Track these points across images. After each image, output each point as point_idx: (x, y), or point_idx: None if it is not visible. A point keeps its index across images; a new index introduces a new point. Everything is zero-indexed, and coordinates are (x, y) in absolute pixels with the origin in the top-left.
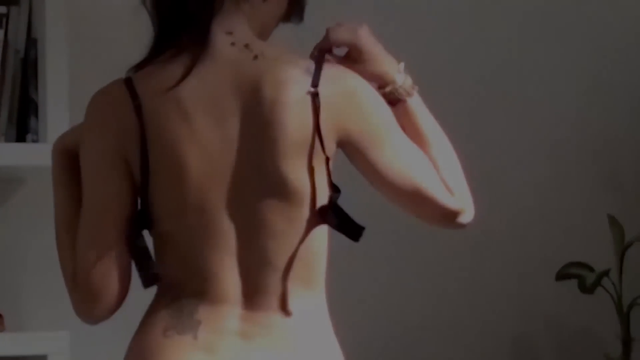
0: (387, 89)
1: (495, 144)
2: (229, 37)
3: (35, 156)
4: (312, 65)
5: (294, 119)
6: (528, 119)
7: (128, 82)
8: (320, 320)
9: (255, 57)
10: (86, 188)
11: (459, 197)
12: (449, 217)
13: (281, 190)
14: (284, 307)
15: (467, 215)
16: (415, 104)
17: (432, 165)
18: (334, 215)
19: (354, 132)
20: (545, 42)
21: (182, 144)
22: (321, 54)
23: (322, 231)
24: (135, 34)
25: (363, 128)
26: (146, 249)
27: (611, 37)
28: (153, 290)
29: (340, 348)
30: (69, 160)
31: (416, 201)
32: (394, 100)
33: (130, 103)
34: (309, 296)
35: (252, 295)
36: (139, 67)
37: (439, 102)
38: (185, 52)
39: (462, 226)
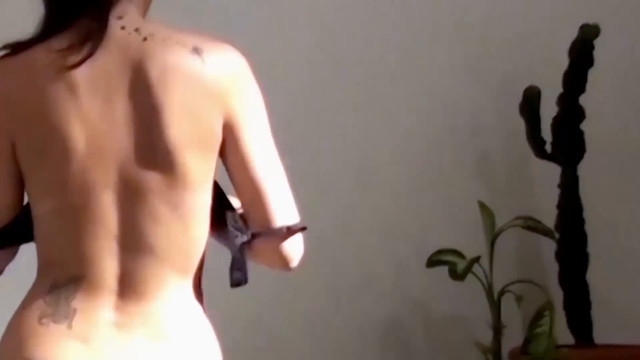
0: None
1: (366, 133)
2: (119, 21)
3: None
4: (199, 43)
5: (183, 99)
6: (398, 107)
7: (16, 60)
8: (196, 310)
9: (145, 39)
10: None
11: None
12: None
13: (167, 174)
14: (160, 296)
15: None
16: None
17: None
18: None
19: (236, 113)
20: (412, 31)
21: (68, 123)
22: None
23: (206, 220)
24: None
25: (245, 110)
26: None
27: (480, 27)
28: (31, 273)
29: (216, 339)
30: None
31: (259, 200)
32: None
33: (19, 81)
34: (187, 286)
35: (129, 282)
36: (24, 46)
37: (311, 97)
38: (77, 34)
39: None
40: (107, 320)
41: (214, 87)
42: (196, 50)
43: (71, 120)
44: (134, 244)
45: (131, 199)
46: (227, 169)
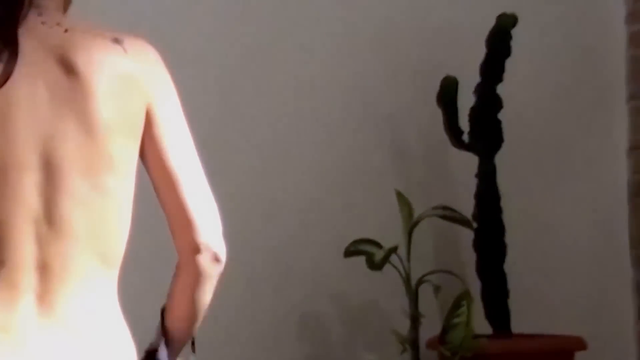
0: None
1: (282, 122)
2: (39, 17)
3: None
4: (117, 35)
5: (108, 84)
6: (314, 97)
7: None
8: (114, 303)
9: (66, 31)
10: None
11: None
12: (195, 241)
13: (92, 156)
14: (81, 287)
15: (211, 253)
16: None
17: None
18: None
19: (157, 102)
20: (328, 21)
21: None
22: None
23: (129, 211)
24: None
25: (165, 99)
26: None
27: (396, 17)
28: None
29: (132, 339)
30: None
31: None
32: None
33: None
34: (106, 276)
35: (51, 268)
36: None
37: (231, 89)
38: None
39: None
40: (28, 309)
41: (138, 75)
42: (116, 41)
43: None
44: (55, 228)
45: (53, 181)
46: (146, 160)
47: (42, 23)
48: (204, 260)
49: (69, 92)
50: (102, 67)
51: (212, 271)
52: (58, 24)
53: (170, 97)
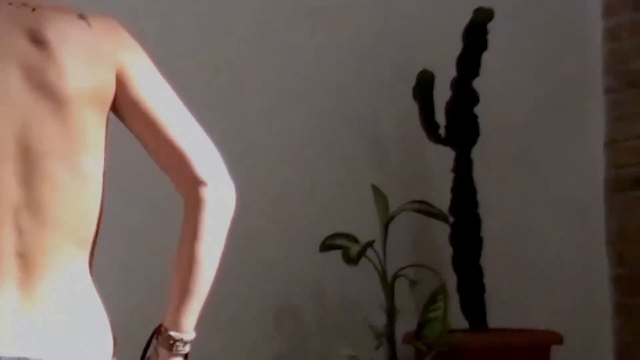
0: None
1: (259, 117)
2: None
3: None
4: (82, 11)
5: (78, 59)
6: (291, 91)
7: None
8: (89, 283)
9: (34, 9)
10: None
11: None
12: (192, 179)
13: (67, 136)
14: (60, 270)
15: (218, 192)
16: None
17: None
18: None
19: (127, 65)
20: (306, 17)
21: None
22: None
23: (101, 186)
24: None
25: (135, 61)
26: None
27: (372, 11)
28: None
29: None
30: None
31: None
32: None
33: None
34: (82, 257)
35: (31, 256)
36: None
37: (209, 85)
38: None
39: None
40: (10, 297)
41: (103, 45)
42: (81, 17)
43: None
44: (35, 215)
45: (32, 168)
46: (130, 121)
47: (9, 4)
48: (208, 192)
49: (41, 65)
50: (70, 39)
51: (218, 204)
52: (24, 4)
53: (138, 56)
